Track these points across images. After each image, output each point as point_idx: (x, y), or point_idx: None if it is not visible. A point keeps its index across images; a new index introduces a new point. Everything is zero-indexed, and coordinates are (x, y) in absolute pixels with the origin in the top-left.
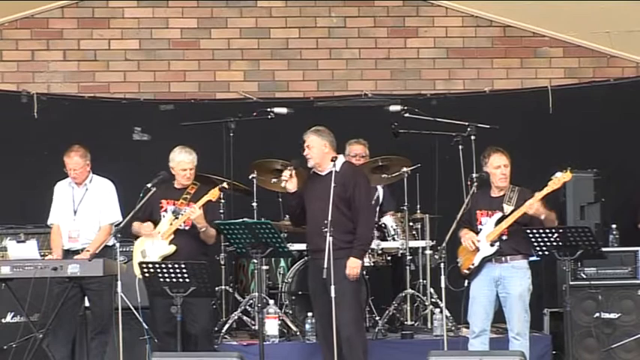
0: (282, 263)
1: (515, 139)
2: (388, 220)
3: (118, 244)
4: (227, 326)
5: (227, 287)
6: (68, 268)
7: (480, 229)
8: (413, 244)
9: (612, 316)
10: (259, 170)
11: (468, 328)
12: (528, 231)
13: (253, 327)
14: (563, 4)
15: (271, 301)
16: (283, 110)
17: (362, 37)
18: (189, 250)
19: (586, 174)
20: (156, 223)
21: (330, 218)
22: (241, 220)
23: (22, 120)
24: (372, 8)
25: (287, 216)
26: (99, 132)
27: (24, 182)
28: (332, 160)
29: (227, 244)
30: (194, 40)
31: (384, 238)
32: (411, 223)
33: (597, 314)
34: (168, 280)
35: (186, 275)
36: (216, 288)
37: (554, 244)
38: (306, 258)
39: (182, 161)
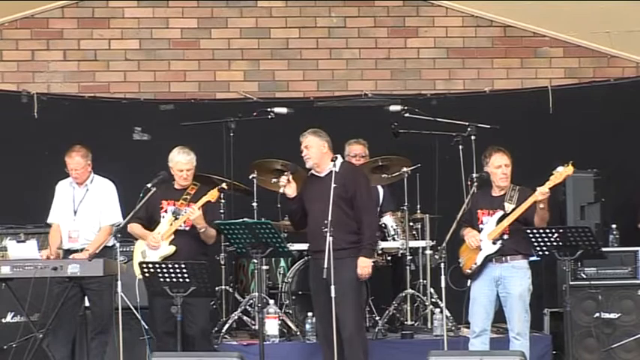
0: (282, 263)
1: (516, 139)
2: (388, 220)
3: (118, 244)
4: (227, 326)
5: (227, 287)
6: (68, 268)
7: (482, 229)
8: (413, 244)
9: (612, 316)
10: (259, 170)
11: (468, 328)
12: (528, 231)
13: (253, 327)
14: (563, 4)
15: (271, 301)
16: (283, 110)
17: (362, 37)
18: (189, 251)
19: (586, 174)
20: (156, 224)
21: (330, 218)
22: (241, 220)
23: (22, 120)
24: (372, 8)
25: (287, 216)
26: (99, 132)
27: (24, 182)
28: (332, 160)
29: (227, 244)
30: (194, 40)
31: (384, 238)
32: (411, 223)
33: (597, 314)
34: (168, 280)
35: (186, 275)
36: (216, 288)
37: (554, 244)
38: (306, 258)
39: (179, 162)
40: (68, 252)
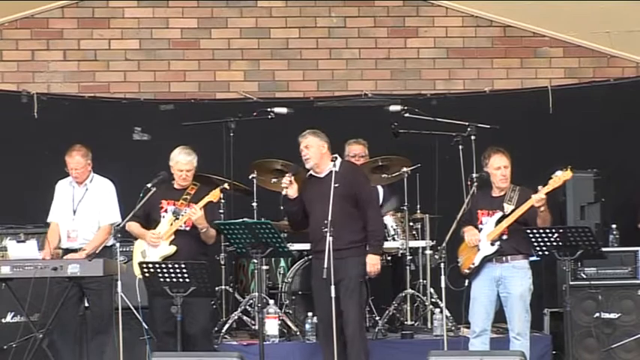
0: (282, 263)
1: (515, 139)
2: (388, 220)
3: (118, 244)
4: (227, 326)
5: (227, 287)
6: (68, 268)
7: (481, 229)
8: (413, 244)
9: (612, 316)
10: (259, 170)
11: (468, 328)
12: (528, 231)
13: (253, 327)
14: (563, 4)
15: (271, 301)
16: (283, 110)
17: (362, 37)
18: (189, 251)
19: (586, 174)
20: (156, 224)
21: (330, 218)
22: (241, 220)
23: (22, 120)
24: (372, 8)
25: (287, 218)
26: (99, 132)
27: (24, 182)
28: (332, 161)
29: (227, 244)
30: (194, 40)
31: (384, 238)
32: (411, 223)
33: (597, 314)
34: (168, 280)
35: (186, 275)
36: (216, 288)
37: (554, 244)
38: (306, 258)
39: (179, 162)
40: (67, 251)
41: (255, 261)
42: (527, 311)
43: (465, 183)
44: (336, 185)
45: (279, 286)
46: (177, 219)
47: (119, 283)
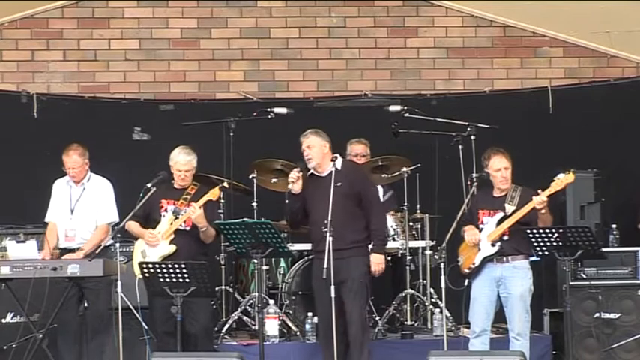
0: (282, 263)
1: (515, 139)
2: (388, 220)
3: (118, 244)
4: (227, 326)
5: (227, 287)
6: (68, 268)
7: (482, 229)
8: (413, 244)
9: (612, 316)
10: (259, 170)
11: (468, 328)
12: (528, 231)
13: (253, 327)
14: (563, 4)
15: (271, 301)
16: (283, 110)
17: (362, 37)
18: (188, 250)
19: (586, 174)
20: (156, 223)
21: (330, 218)
22: (241, 220)
23: (22, 120)
24: (372, 8)
25: (288, 215)
26: (99, 132)
27: (24, 182)
28: (332, 160)
29: (227, 244)
30: (194, 40)
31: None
32: (411, 223)
33: (597, 314)
34: (168, 280)
35: (186, 275)
36: (216, 288)
37: (554, 244)
38: (306, 258)
39: (178, 162)
40: (64, 251)
41: (255, 261)
42: (528, 311)
43: (465, 183)
44: (339, 184)
45: (279, 286)
46: (177, 218)
47: (119, 283)
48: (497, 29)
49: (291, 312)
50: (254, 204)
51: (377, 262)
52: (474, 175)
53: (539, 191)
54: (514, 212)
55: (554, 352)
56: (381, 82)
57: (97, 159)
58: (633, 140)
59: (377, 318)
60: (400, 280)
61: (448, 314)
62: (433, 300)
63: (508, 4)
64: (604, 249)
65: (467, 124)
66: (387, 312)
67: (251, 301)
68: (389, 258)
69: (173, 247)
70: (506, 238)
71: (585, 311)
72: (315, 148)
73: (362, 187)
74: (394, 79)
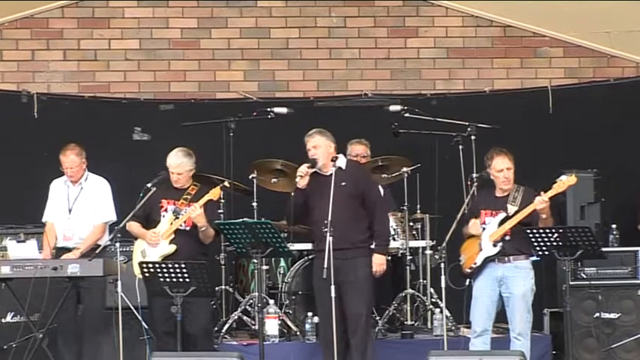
0: (282, 263)
1: (515, 139)
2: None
3: (118, 244)
4: (227, 326)
5: (227, 287)
6: (68, 268)
7: (484, 229)
8: (413, 244)
9: (612, 316)
10: (259, 170)
11: (468, 328)
12: (528, 231)
13: (253, 327)
14: (563, 4)
15: (271, 301)
16: (283, 110)
17: (362, 37)
18: (188, 250)
19: (586, 174)
20: (155, 223)
21: (330, 218)
22: (241, 220)
23: (22, 120)
24: (372, 8)
25: (292, 209)
26: (99, 132)
27: (24, 182)
28: (332, 160)
29: (227, 244)
30: (194, 40)
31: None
32: (411, 223)
33: (597, 314)
34: (168, 279)
35: (186, 275)
36: (216, 288)
37: (554, 244)
38: (306, 258)
39: (169, 164)
40: (62, 250)
41: (255, 261)
42: (529, 311)
43: (465, 183)
44: (343, 184)
45: (279, 286)
46: (177, 218)
47: (119, 283)
48: (497, 29)
49: (291, 312)
50: (254, 204)
51: (379, 263)
52: (474, 175)
53: (541, 192)
54: (516, 213)
55: (554, 352)
56: (381, 82)
57: (97, 159)
58: (633, 140)
59: (377, 318)
60: (400, 280)
61: (448, 314)
62: (433, 300)
63: (508, 4)
64: (604, 249)
65: (467, 124)
66: (387, 312)
67: (251, 301)
68: (389, 258)
69: (173, 247)
70: (507, 238)
71: (585, 311)
72: (322, 148)
73: (366, 187)
74: (394, 79)
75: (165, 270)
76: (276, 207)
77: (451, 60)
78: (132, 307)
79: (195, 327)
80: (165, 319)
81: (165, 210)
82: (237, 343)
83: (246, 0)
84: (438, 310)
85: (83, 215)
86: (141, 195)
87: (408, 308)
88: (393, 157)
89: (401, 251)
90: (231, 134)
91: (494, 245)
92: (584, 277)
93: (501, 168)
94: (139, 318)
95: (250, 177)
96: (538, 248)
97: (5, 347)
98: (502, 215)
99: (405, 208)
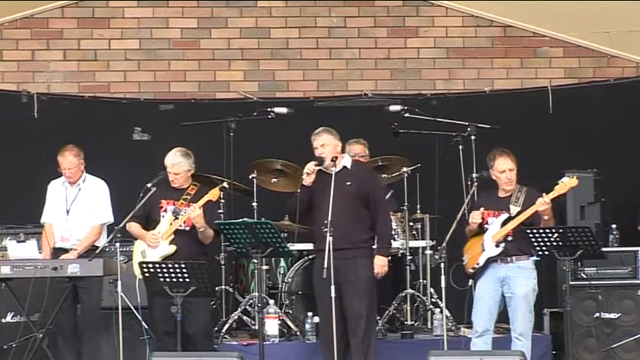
0: (282, 263)
1: (516, 139)
2: None
3: (118, 244)
4: (227, 326)
5: (227, 287)
6: (68, 268)
7: (487, 229)
8: (413, 244)
9: (612, 316)
10: (259, 170)
11: (468, 328)
12: (528, 231)
13: (253, 327)
14: (563, 4)
15: (271, 301)
16: (283, 110)
17: (362, 37)
18: (188, 250)
19: (586, 174)
20: (155, 223)
21: (330, 218)
22: (241, 220)
23: (22, 120)
24: (372, 8)
25: (287, 215)
26: (99, 132)
27: (24, 182)
28: (332, 160)
29: (227, 244)
30: (194, 40)
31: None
32: (411, 223)
33: (597, 314)
34: (168, 280)
35: (186, 275)
36: (216, 288)
37: (554, 244)
38: (306, 258)
39: (167, 164)
40: (59, 251)
41: (255, 261)
42: (531, 312)
43: (465, 183)
44: (348, 184)
45: (279, 286)
46: (177, 218)
47: (119, 283)
48: (497, 29)
49: (291, 312)
50: (254, 204)
51: (380, 265)
52: (474, 175)
53: (543, 194)
54: (519, 213)
55: (554, 352)
56: (381, 82)
57: (97, 159)
58: (633, 140)
59: (377, 318)
60: (400, 280)
61: (448, 314)
62: (433, 300)
63: (508, 4)
64: (604, 249)
65: (467, 124)
66: (387, 312)
67: (251, 301)
68: (389, 258)
69: (173, 248)
70: (510, 238)
71: (585, 311)
72: (330, 146)
73: (371, 188)
74: (394, 79)
75: (165, 270)
76: (276, 207)
77: (451, 60)
78: (132, 307)
79: (195, 327)
80: (165, 319)
81: (165, 210)
82: (237, 343)
83: (246, 0)
84: (438, 310)
85: (81, 216)
86: (141, 195)
87: (408, 308)
88: (393, 157)
89: (401, 251)
90: (231, 134)
91: (497, 246)
92: (584, 277)
93: (504, 169)
94: (139, 318)
95: (250, 177)
96: (538, 248)
97: (5, 347)
98: (505, 216)
99: (405, 208)
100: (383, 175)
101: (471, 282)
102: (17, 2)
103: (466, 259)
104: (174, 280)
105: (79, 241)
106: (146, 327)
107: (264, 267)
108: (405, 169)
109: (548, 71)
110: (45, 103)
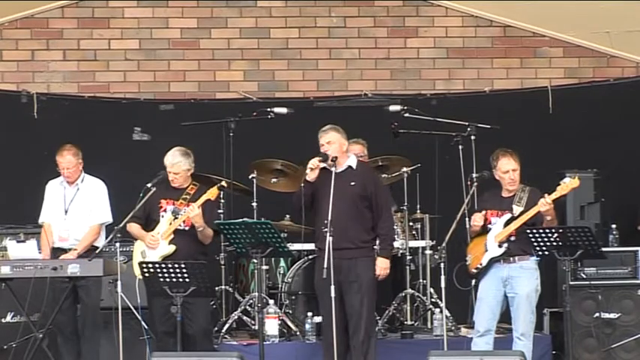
0: (282, 263)
1: (515, 139)
2: None
3: (118, 244)
4: (227, 326)
5: (227, 287)
6: (68, 268)
7: (489, 229)
8: (413, 244)
9: (612, 316)
10: (259, 170)
11: (468, 328)
12: (528, 231)
13: (253, 327)
14: (563, 4)
15: (271, 301)
16: (283, 110)
17: (362, 37)
18: (188, 250)
19: (586, 174)
20: (155, 223)
21: (330, 218)
22: (241, 220)
23: (22, 120)
24: (372, 8)
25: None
26: (99, 132)
27: (24, 182)
28: (332, 161)
29: (227, 244)
30: (194, 40)
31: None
32: (411, 223)
33: (597, 314)
34: (168, 280)
35: (185, 275)
36: (216, 288)
37: (554, 244)
38: (306, 258)
39: (166, 164)
40: (58, 251)
41: (255, 261)
42: (533, 312)
43: (465, 183)
44: (352, 183)
45: (279, 286)
46: (177, 218)
47: (119, 283)
48: (497, 29)
49: (291, 312)
50: (254, 204)
51: (382, 267)
52: (474, 175)
53: (545, 194)
54: (522, 213)
55: (554, 352)
56: (381, 82)
57: (97, 159)
58: (633, 140)
59: (377, 318)
60: (400, 280)
61: (448, 314)
62: (433, 300)
63: (508, 4)
64: (604, 249)
65: (467, 124)
66: (387, 312)
67: (251, 301)
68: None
69: (173, 247)
70: (513, 238)
71: (585, 311)
72: (335, 144)
73: (374, 189)
74: (394, 79)
75: (165, 270)
76: (276, 207)
77: (451, 60)
78: (132, 307)
79: (194, 327)
80: (165, 319)
81: (165, 210)
82: (237, 343)
83: (246, 0)
84: (437, 310)
85: (79, 216)
86: (141, 195)
87: (408, 308)
88: (393, 157)
89: (401, 251)
90: (231, 134)
91: (500, 246)
92: (584, 277)
93: (507, 169)
94: (139, 318)
95: (250, 177)
96: (538, 248)
97: (5, 347)
98: (508, 216)
99: (405, 208)
100: (383, 175)
101: (473, 282)
102: (17, 2)
103: (470, 259)
104: (174, 280)
105: (78, 241)
106: (146, 327)
107: (264, 267)
108: (405, 169)
109: (548, 71)
110: (45, 104)
